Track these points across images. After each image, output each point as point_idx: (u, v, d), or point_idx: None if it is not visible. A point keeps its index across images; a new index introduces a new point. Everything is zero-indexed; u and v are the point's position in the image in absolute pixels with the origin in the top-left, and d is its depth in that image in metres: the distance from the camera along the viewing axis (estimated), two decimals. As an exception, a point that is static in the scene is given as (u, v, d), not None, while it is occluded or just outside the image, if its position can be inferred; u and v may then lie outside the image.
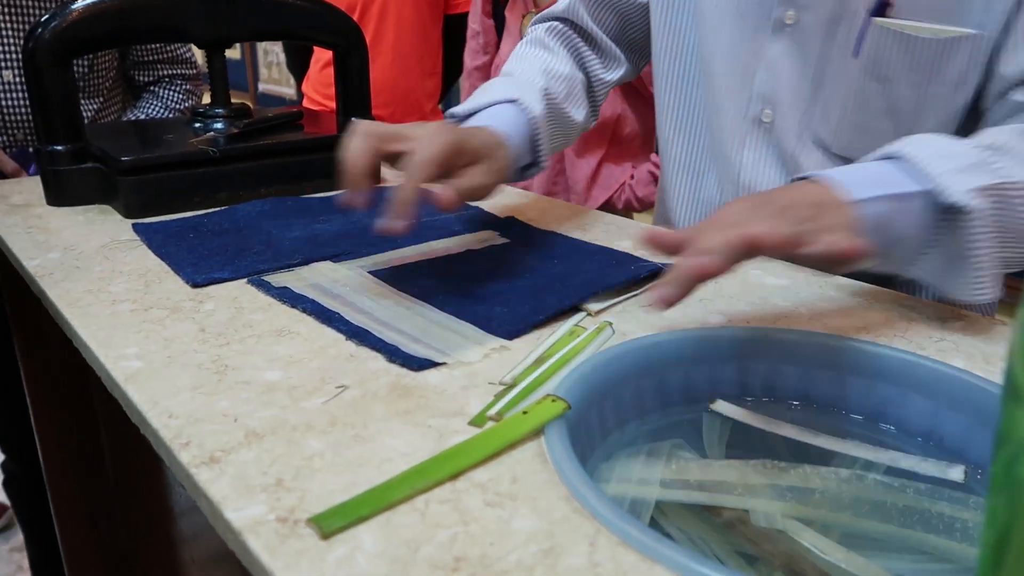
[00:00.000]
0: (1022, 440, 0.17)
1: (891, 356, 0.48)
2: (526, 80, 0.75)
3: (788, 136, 0.71)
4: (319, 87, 1.82)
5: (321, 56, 1.84)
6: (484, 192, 0.62)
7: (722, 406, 0.49)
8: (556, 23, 0.85)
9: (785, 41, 0.69)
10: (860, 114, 0.66)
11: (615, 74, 0.86)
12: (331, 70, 1.75)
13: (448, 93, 2.00)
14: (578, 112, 0.80)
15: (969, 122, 0.66)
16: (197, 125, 0.93)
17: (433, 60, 1.83)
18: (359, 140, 0.58)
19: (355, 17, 1.72)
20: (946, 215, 0.53)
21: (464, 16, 1.85)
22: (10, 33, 1.11)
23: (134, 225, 0.77)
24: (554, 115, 0.77)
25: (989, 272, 0.53)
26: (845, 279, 0.65)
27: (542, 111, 0.72)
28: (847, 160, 0.68)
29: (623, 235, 0.76)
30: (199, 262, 0.66)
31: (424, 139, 0.57)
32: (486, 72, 1.61)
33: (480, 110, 0.70)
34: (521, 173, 0.73)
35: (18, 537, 1.85)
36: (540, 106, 0.72)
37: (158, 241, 0.71)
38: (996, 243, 0.52)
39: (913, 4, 0.62)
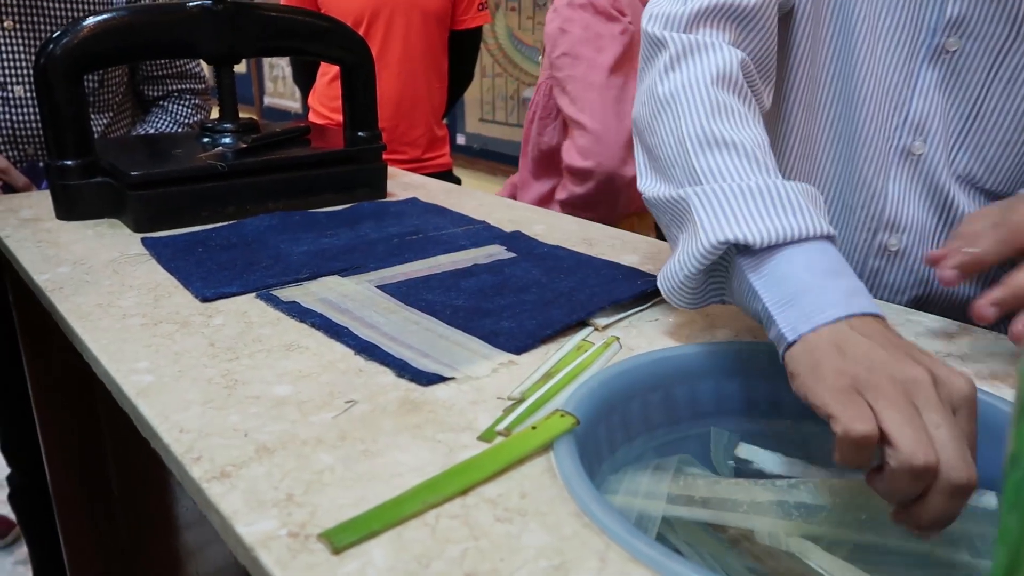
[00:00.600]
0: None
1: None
2: (751, 117, 0.57)
3: (938, 170, 0.67)
4: (325, 100, 1.84)
5: (328, 70, 1.85)
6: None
7: (744, 450, 0.47)
8: (735, 55, 0.60)
9: (944, 69, 0.65)
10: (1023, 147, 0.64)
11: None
12: (337, 84, 1.76)
13: (453, 106, 2.01)
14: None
15: None
16: (206, 140, 0.94)
17: (439, 74, 1.84)
18: None
19: (361, 30, 1.74)
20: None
21: (471, 31, 1.87)
22: (21, 49, 1.12)
23: (143, 239, 0.77)
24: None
25: None
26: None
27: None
28: (1001, 196, 0.65)
29: (629, 249, 0.76)
30: (208, 276, 0.66)
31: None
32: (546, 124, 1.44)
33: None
34: None
35: (22, 550, 1.84)
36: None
37: (167, 255, 0.72)
38: None
39: None
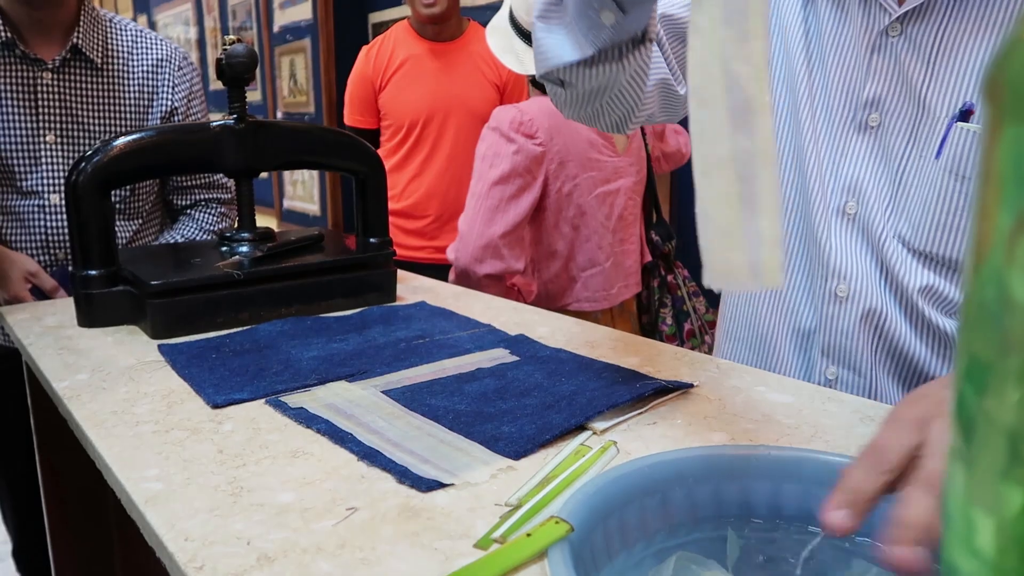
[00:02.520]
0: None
1: (891, 475, 0.49)
2: None
3: (873, 227, 0.75)
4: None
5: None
6: None
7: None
8: None
9: (870, 140, 0.73)
10: (941, 212, 0.70)
11: (680, 88, 0.79)
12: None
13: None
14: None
15: None
16: (224, 248, 0.98)
17: None
18: None
19: (417, 130, 1.87)
20: None
21: None
22: (61, 160, 1.19)
23: (159, 346, 0.80)
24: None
25: None
26: (849, 396, 0.66)
27: None
28: (928, 255, 0.72)
29: (631, 352, 0.78)
30: (220, 382, 0.68)
31: None
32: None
33: None
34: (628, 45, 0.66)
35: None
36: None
37: (182, 362, 0.74)
38: None
39: None
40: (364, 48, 2.05)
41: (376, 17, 3.48)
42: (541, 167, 1.50)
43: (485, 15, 2.64)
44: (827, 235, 0.77)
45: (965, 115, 0.67)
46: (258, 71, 4.02)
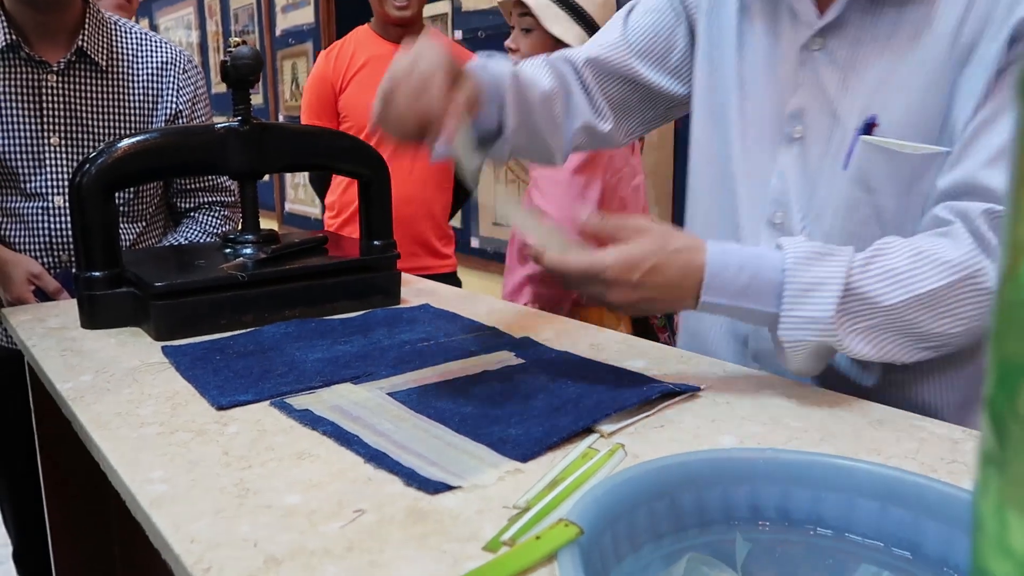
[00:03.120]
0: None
1: (902, 479, 0.49)
2: (504, 64, 0.80)
3: (795, 235, 0.75)
4: (344, 206, 1.93)
5: (343, 179, 1.95)
6: (464, 112, 0.66)
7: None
8: (557, 62, 0.87)
9: (794, 151, 0.76)
10: (849, 221, 0.72)
11: (603, 124, 0.88)
12: (353, 190, 1.87)
13: (460, 208, 2.11)
14: (551, 137, 0.84)
15: None
16: (228, 251, 0.98)
17: (447, 176, 1.95)
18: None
19: (375, 137, 1.84)
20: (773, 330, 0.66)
21: None
22: (65, 163, 1.19)
23: (163, 347, 0.80)
24: (520, 108, 0.80)
25: (794, 368, 0.67)
26: (857, 400, 0.66)
27: (510, 81, 0.78)
28: None
29: (636, 354, 0.78)
30: (224, 384, 0.68)
31: (423, 55, 0.66)
32: None
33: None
34: (482, 147, 0.78)
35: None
36: (508, 75, 0.78)
37: (186, 364, 0.74)
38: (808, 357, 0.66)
39: (895, 125, 0.69)
40: (323, 51, 2.03)
41: (378, 21, 3.48)
42: (602, 157, 1.55)
43: (486, 19, 2.64)
44: (753, 244, 0.79)
45: (869, 128, 0.70)
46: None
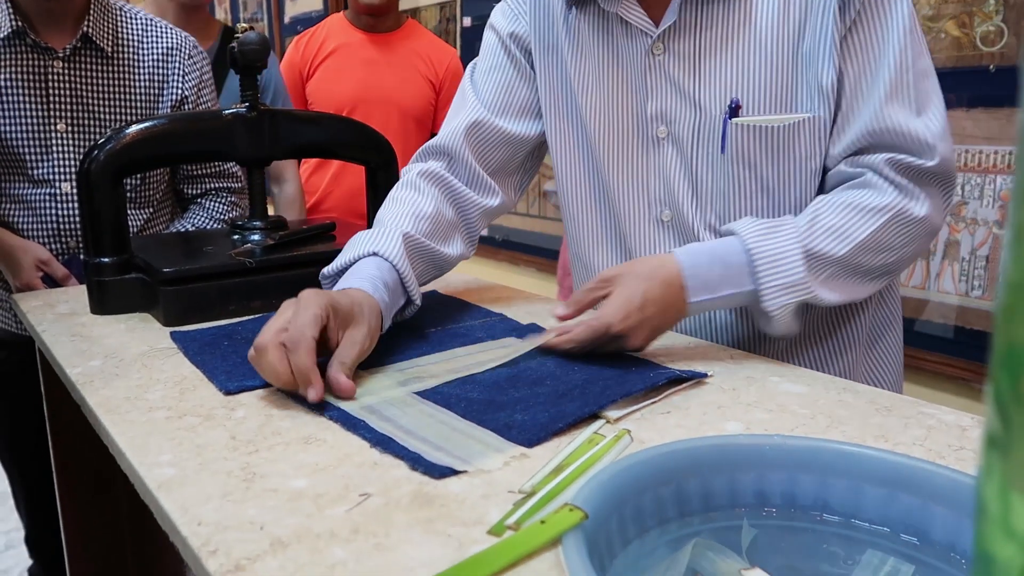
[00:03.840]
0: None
1: (909, 465, 0.49)
2: (389, 226, 0.80)
3: (688, 227, 0.82)
4: (310, 192, 1.93)
5: (310, 162, 1.95)
6: (366, 351, 0.67)
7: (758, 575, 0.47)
8: (431, 163, 0.89)
9: (667, 149, 0.81)
10: (738, 198, 0.79)
11: (493, 201, 0.91)
12: (318, 176, 1.87)
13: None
14: (448, 247, 0.86)
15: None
16: (236, 237, 0.98)
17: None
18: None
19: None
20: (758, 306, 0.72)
21: None
22: (71, 149, 1.19)
23: (172, 333, 0.80)
24: (419, 254, 0.82)
25: (780, 331, 0.73)
26: (865, 387, 0.66)
27: (402, 256, 0.77)
28: None
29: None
30: (232, 370, 0.68)
31: (298, 315, 0.63)
32: None
33: (347, 267, 0.77)
34: (401, 313, 0.79)
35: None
36: (400, 252, 0.77)
37: (194, 349, 0.74)
38: (791, 318, 0.72)
39: (755, 102, 0.76)
40: (295, 38, 2.01)
41: (386, 7, 3.47)
42: None
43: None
44: (644, 246, 0.84)
45: (735, 110, 0.76)
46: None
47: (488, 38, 0.91)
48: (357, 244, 0.78)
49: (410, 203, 0.84)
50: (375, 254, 0.76)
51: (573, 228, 0.91)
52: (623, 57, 0.81)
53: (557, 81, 0.86)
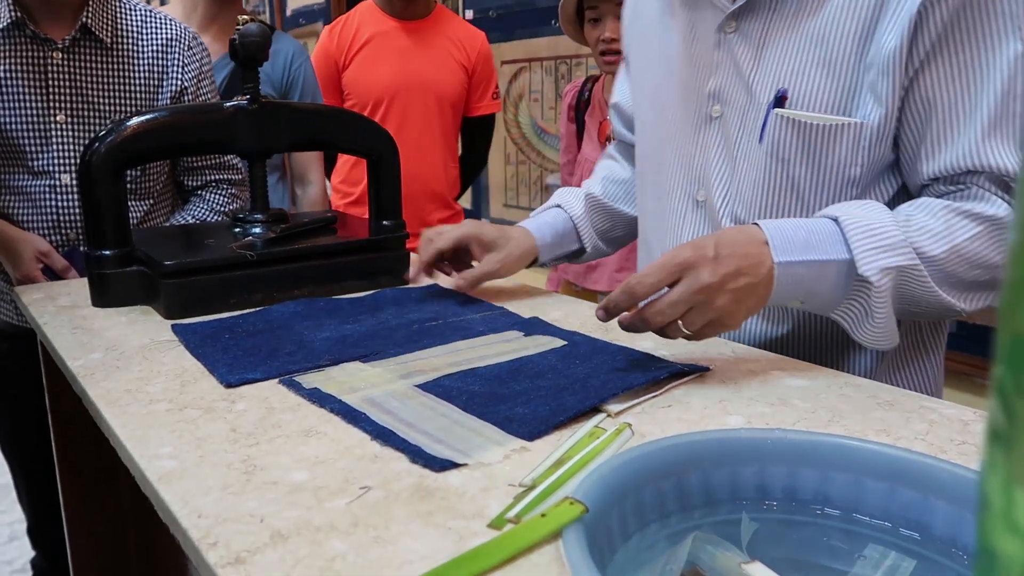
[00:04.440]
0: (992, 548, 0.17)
1: (911, 460, 0.48)
2: (581, 189, 1.00)
3: (716, 212, 0.80)
4: (347, 184, 1.92)
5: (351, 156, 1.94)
6: (494, 274, 0.86)
7: (758, 569, 0.47)
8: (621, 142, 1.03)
9: (715, 130, 0.80)
10: (767, 193, 0.76)
11: None
12: (359, 169, 1.87)
13: (466, 190, 2.10)
14: (631, 207, 0.99)
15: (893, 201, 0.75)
16: (237, 230, 0.98)
17: (453, 154, 1.95)
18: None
19: (381, 110, 1.84)
20: (858, 281, 0.66)
21: (484, 118, 1.96)
22: (71, 140, 1.19)
23: (173, 326, 0.80)
24: (599, 211, 0.99)
25: (888, 328, 0.67)
26: (866, 381, 0.66)
27: (582, 210, 0.97)
28: None
29: (644, 335, 0.77)
30: (233, 362, 0.68)
31: (445, 232, 0.86)
32: (570, 167, 1.86)
33: (538, 215, 0.97)
34: (574, 257, 0.98)
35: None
36: (580, 206, 0.97)
37: (195, 342, 0.74)
38: (896, 306, 0.67)
39: (804, 96, 0.72)
40: (327, 26, 2.00)
41: (388, 0, 3.46)
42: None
43: (498, -3, 2.62)
44: (680, 223, 0.84)
45: (780, 101, 0.73)
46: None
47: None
48: (551, 199, 0.98)
49: (604, 168, 1.02)
50: (558, 206, 0.97)
51: (640, 199, 0.94)
52: (698, 31, 0.80)
53: (641, 51, 0.89)
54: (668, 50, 0.83)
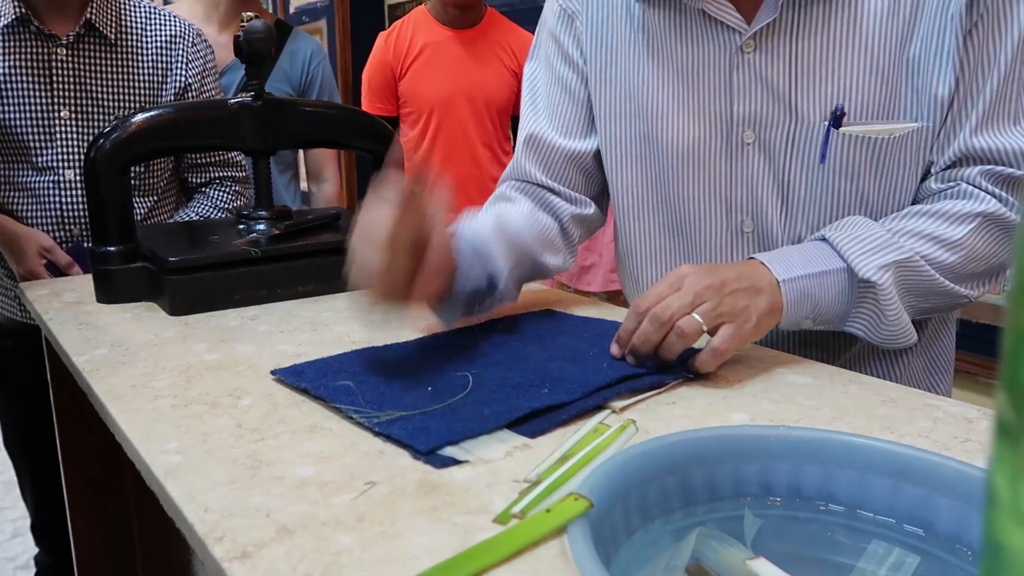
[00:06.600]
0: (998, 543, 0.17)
1: (915, 457, 0.48)
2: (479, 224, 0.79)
3: (773, 238, 0.77)
4: None
5: None
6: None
7: (761, 565, 0.47)
8: (517, 182, 0.88)
9: (755, 156, 0.75)
10: (835, 209, 0.74)
11: (587, 210, 0.87)
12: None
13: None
14: (551, 258, 0.84)
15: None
16: (241, 226, 0.98)
17: (503, 152, 2.00)
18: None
19: (437, 116, 1.90)
20: (863, 286, 0.67)
21: None
22: (75, 136, 1.20)
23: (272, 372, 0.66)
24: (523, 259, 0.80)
25: (903, 325, 0.69)
26: (871, 378, 0.66)
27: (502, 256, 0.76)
28: None
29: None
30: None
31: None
32: None
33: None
34: (477, 304, 0.76)
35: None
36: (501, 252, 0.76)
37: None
38: (905, 303, 0.68)
39: (859, 110, 0.71)
40: (382, 34, 2.03)
41: (392, -2, 3.46)
42: None
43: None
44: (725, 258, 0.79)
45: (838, 119, 0.71)
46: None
47: (540, 39, 0.86)
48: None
49: (506, 212, 0.83)
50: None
51: (627, 241, 0.85)
52: (703, 55, 0.75)
53: (616, 83, 0.81)
54: (661, 74, 0.77)
